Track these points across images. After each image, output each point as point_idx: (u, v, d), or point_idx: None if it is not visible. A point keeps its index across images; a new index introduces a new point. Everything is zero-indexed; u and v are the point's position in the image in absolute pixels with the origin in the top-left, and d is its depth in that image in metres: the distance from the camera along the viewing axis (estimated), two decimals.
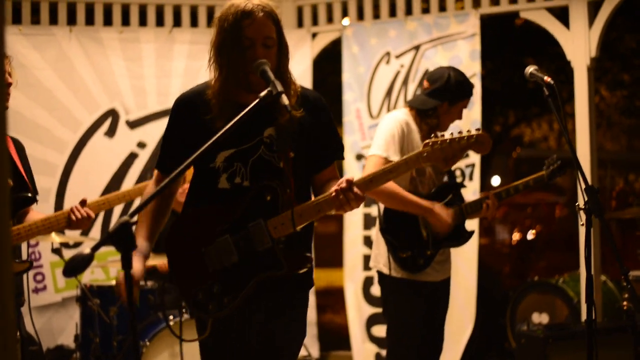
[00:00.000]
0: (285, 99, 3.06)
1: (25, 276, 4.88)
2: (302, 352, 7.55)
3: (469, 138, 3.47)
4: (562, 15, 7.26)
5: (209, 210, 3.39)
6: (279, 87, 3.07)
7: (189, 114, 3.38)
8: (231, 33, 3.28)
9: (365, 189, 3.37)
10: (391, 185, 4.75)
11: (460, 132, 3.50)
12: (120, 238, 2.44)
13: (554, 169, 5.18)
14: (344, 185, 3.25)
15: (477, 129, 3.51)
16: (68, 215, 4.30)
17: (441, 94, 4.97)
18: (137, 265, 3.26)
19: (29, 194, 4.23)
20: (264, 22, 3.32)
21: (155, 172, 3.54)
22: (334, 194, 3.26)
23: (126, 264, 2.48)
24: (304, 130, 3.44)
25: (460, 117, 5.11)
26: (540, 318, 7.71)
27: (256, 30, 3.29)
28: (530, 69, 4.27)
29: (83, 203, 4.38)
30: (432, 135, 3.52)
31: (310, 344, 7.74)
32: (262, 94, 3.07)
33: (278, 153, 3.38)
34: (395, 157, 4.79)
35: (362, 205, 7.52)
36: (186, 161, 2.88)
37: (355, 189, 3.26)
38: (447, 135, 3.47)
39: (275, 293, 3.43)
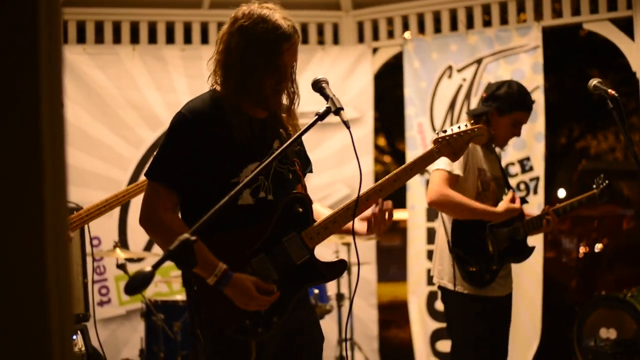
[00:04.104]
0: (344, 115, 3.04)
1: (90, 290, 4.94)
2: None
3: (471, 131, 3.61)
4: (626, 26, 7.16)
5: (236, 233, 3.26)
6: (338, 104, 3.05)
7: (205, 128, 3.23)
8: (267, 51, 3.23)
9: (392, 188, 3.46)
10: (458, 196, 4.75)
11: (459, 127, 3.64)
12: (180, 255, 2.44)
13: (603, 189, 5.13)
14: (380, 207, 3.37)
15: (473, 122, 3.76)
16: None
17: (490, 102, 4.97)
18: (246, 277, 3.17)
19: None
20: (297, 46, 3.32)
21: (159, 187, 3.25)
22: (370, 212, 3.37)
23: (187, 280, 2.48)
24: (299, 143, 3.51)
25: (517, 133, 5.04)
26: (608, 333, 7.59)
27: (292, 56, 3.29)
28: (594, 81, 4.22)
29: None
30: (439, 132, 3.65)
31: (372, 359, 7.72)
32: (322, 110, 3.05)
33: (287, 165, 3.39)
34: (459, 172, 4.79)
35: (425, 219, 7.54)
36: (246, 179, 2.82)
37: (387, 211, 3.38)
38: (449, 131, 3.62)
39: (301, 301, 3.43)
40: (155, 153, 3.33)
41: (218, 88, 3.35)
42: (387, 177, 3.46)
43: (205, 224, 2.56)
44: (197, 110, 3.27)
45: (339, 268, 3.40)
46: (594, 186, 5.17)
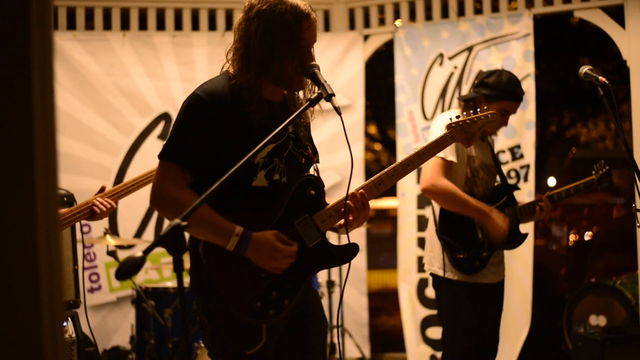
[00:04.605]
0: (336, 101, 3.03)
1: (80, 277, 4.93)
2: (356, 354, 7.57)
3: (485, 117, 3.70)
4: (617, 14, 7.16)
5: (248, 215, 3.21)
6: (329, 90, 3.05)
7: (221, 110, 3.20)
8: (289, 32, 3.21)
9: (404, 173, 3.49)
10: (452, 187, 4.75)
11: (472, 112, 3.72)
12: (171, 241, 2.43)
13: (602, 174, 5.13)
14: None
15: (486, 108, 3.76)
16: (91, 208, 4.31)
17: (479, 88, 4.98)
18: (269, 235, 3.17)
19: None
20: (316, 25, 3.32)
21: (170, 165, 3.20)
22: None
23: (178, 267, 2.47)
24: (309, 129, 3.53)
25: (504, 123, 5.02)
26: (598, 320, 7.62)
27: (312, 35, 3.29)
28: (585, 69, 4.22)
29: (102, 190, 4.42)
30: (454, 117, 3.70)
31: (363, 345, 7.74)
32: (313, 96, 3.06)
33: (301, 149, 3.38)
34: (452, 158, 4.80)
35: (415, 207, 7.54)
36: (249, 154, 2.80)
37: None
38: (462, 116, 3.69)
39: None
40: (168, 135, 3.28)
41: (235, 75, 3.30)
42: (399, 161, 3.49)
43: (204, 207, 2.56)
44: (213, 92, 3.25)
45: (351, 251, 3.39)
46: (593, 172, 5.16)
